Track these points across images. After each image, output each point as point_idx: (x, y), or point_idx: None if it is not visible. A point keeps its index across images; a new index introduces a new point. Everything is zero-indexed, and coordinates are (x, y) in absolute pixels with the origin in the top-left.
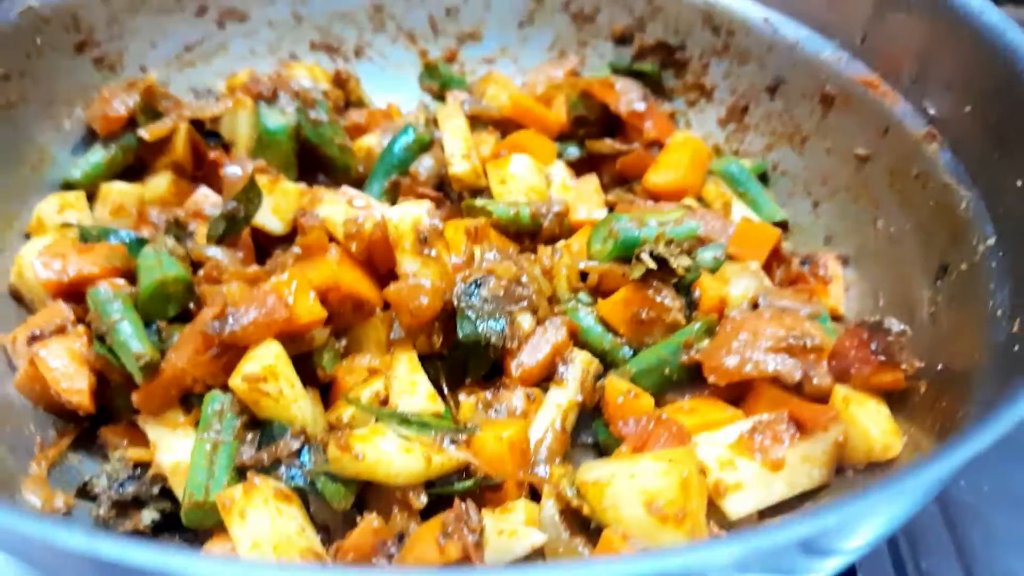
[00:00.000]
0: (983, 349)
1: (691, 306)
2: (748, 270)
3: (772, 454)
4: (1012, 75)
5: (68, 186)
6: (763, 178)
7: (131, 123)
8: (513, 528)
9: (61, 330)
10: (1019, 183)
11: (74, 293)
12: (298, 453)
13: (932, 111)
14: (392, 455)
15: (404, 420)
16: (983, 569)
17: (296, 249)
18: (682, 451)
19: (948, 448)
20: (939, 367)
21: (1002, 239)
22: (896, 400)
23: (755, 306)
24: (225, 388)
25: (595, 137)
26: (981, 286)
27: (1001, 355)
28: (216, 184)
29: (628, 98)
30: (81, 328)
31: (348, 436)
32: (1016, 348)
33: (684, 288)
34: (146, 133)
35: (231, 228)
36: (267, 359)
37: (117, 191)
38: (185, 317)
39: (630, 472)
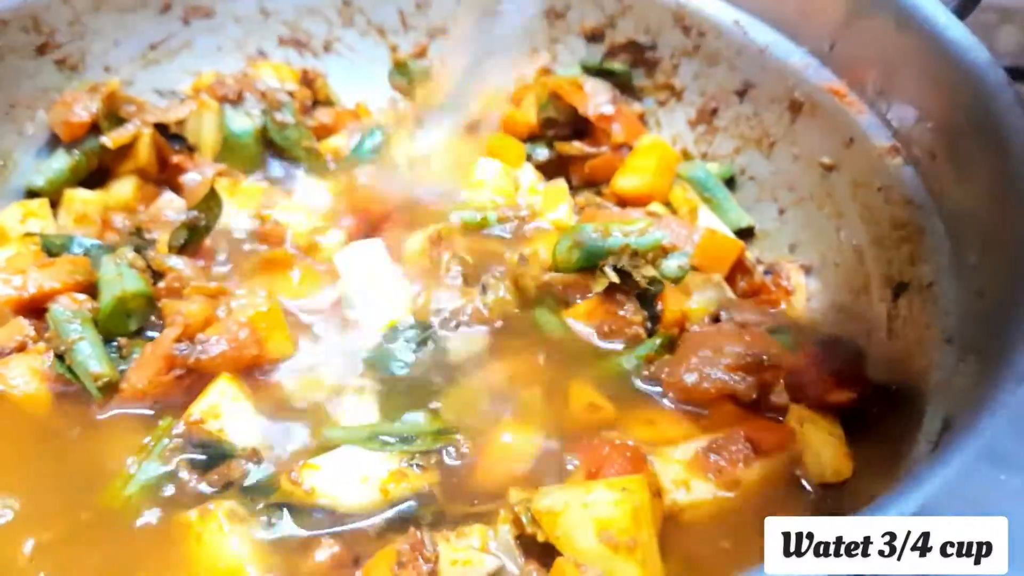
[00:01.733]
0: (933, 373)
1: (654, 319)
2: (711, 282)
3: (727, 475)
4: (974, 95)
5: (31, 193)
6: (731, 183)
7: (94, 128)
8: (467, 558)
9: (21, 347)
10: (976, 205)
11: (35, 308)
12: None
13: (895, 124)
14: (345, 489)
15: (371, 439)
16: None
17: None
18: (635, 479)
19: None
20: (893, 387)
21: (958, 262)
22: (850, 419)
23: (716, 319)
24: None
25: (565, 138)
26: (935, 309)
27: (948, 382)
28: (181, 188)
29: (596, 101)
30: (42, 345)
31: (301, 468)
32: (961, 378)
33: (649, 300)
34: (109, 140)
35: (192, 237)
36: (213, 400)
37: (80, 198)
38: (145, 329)
39: (583, 501)
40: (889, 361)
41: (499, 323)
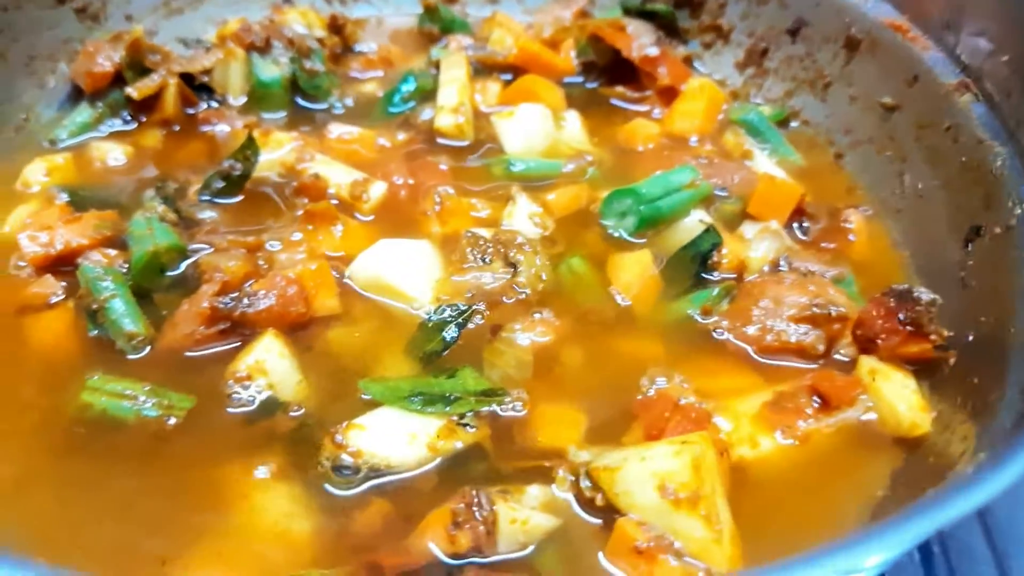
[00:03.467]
0: (1018, 322)
1: (706, 265)
2: (769, 230)
3: (795, 429)
4: None
5: (55, 146)
6: (784, 124)
7: (118, 78)
8: (526, 517)
9: (51, 304)
10: None
11: (65, 264)
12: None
13: (965, 60)
14: (393, 448)
15: (417, 399)
16: (1004, 532)
17: (298, 212)
18: (697, 435)
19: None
20: (969, 337)
21: None
22: (924, 372)
23: (776, 267)
24: None
25: (607, 82)
26: (1016, 252)
27: None
28: (207, 138)
29: (640, 42)
30: (71, 303)
31: (346, 429)
32: None
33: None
34: (134, 91)
35: (228, 186)
36: (259, 356)
37: (106, 150)
38: (181, 282)
39: (641, 455)
40: (965, 311)
41: (538, 296)
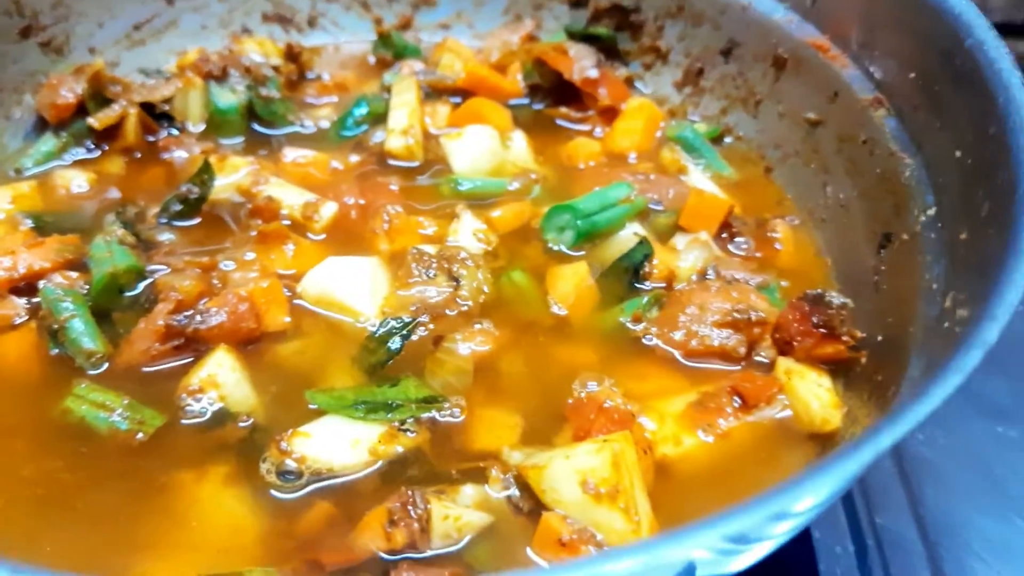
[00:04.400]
0: (918, 322)
1: (638, 276)
2: (698, 241)
3: (716, 428)
4: (953, 45)
5: (20, 175)
6: (718, 141)
7: (81, 109)
8: (458, 514)
9: (13, 325)
10: (957, 154)
11: (27, 287)
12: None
13: (878, 77)
14: (334, 454)
15: (361, 407)
16: (936, 523)
17: (252, 233)
18: (618, 434)
19: (860, 443)
20: (879, 338)
21: (941, 211)
22: (839, 371)
23: (704, 276)
24: None
25: (551, 103)
26: (919, 258)
27: (932, 330)
28: (166, 164)
29: (581, 65)
30: (34, 323)
31: (291, 436)
32: (946, 324)
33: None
34: (96, 122)
35: (185, 209)
36: (211, 370)
37: (69, 178)
38: (138, 300)
39: (566, 454)
40: (876, 313)
41: (479, 308)
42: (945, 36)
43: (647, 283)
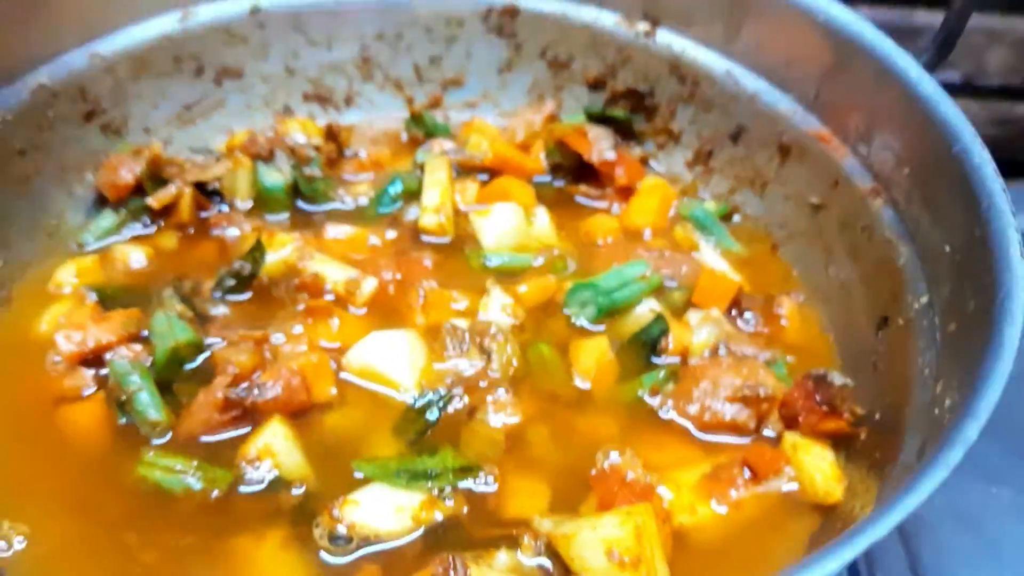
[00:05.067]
0: (912, 404)
1: (655, 350)
2: (710, 317)
3: (728, 498)
4: (943, 146)
5: (82, 249)
6: (728, 218)
7: (138, 188)
8: None
9: (83, 398)
10: (947, 248)
11: (95, 359)
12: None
13: (876, 168)
14: (381, 521)
15: (403, 475)
16: None
17: (299, 307)
18: (640, 506)
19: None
20: (877, 416)
21: (933, 301)
22: (840, 445)
23: (716, 351)
24: None
25: (572, 181)
26: (913, 343)
27: (924, 414)
28: (218, 240)
29: (600, 147)
30: (101, 394)
31: (342, 505)
32: (936, 411)
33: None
34: (154, 202)
35: (238, 284)
36: (267, 440)
37: (128, 252)
38: (198, 372)
39: (592, 524)
40: (875, 392)
41: (509, 380)
42: (935, 140)
43: (663, 357)
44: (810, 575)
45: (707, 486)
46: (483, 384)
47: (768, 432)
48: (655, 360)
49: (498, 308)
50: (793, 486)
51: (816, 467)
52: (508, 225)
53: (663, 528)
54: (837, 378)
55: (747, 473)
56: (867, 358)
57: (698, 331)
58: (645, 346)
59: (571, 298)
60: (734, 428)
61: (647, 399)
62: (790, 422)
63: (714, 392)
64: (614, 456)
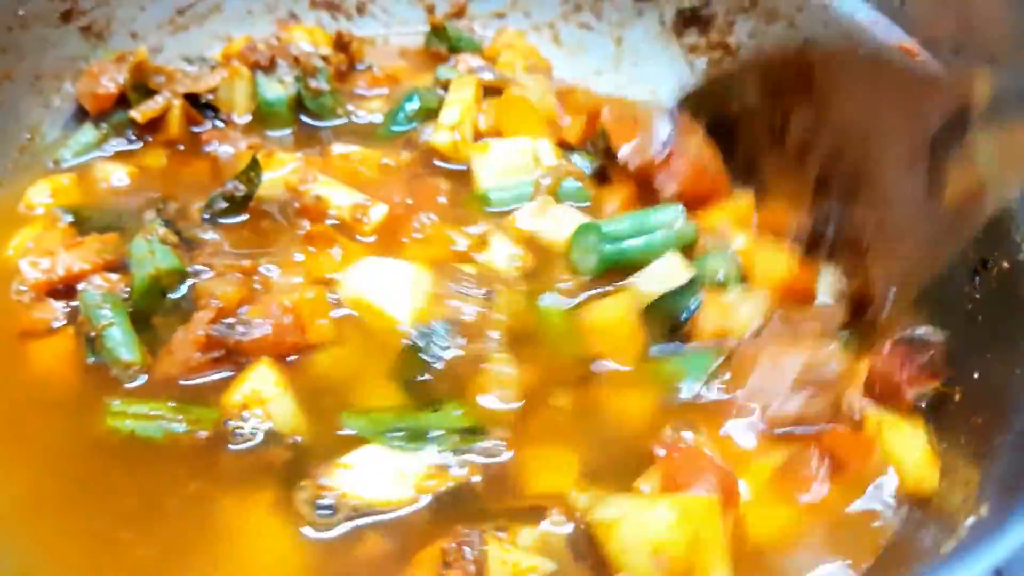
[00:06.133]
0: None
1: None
2: (753, 294)
3: (806, 495)
4: None
5: (59, 166)
6: None
7: (122, 99)
8: (518, 559)
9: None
10: None
11: (66, 289)
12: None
13: None
14: (379, 489)
15: (399, 434)
16: None
17: (300, 232)
18: (702, 502)
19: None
20: (975, 375)
21: None
22: (928, 412)
23: (762, 329)
24: None
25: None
26: (1021, 289)
27: None
28: (211, 158)
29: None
30: (71, 328)
31: (332, 468)
32: None
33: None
34: (139, 115)
35: (231, 207)
36: (255, 386)
37: (110, 171)
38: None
39: (641, 518)
40: (969, 344)
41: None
42: None
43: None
44: None
45: (781, 481)
46: (491, 332)
47: (846, 415)
48: (678, 335)
49: (504, 257)
50: (880, 476)
51: (908, 446)
52: (508, 163)
53: (727, 531)
54: (931, 335)
55: (826, 464)
56: (960, 306)
57: (739, 307)
58: (666, 320)
59: (576, 242)
60: (802, 418)
61: (693, 384)
62: (887, 397)
63: (774, 379)
64: (687, 434)
